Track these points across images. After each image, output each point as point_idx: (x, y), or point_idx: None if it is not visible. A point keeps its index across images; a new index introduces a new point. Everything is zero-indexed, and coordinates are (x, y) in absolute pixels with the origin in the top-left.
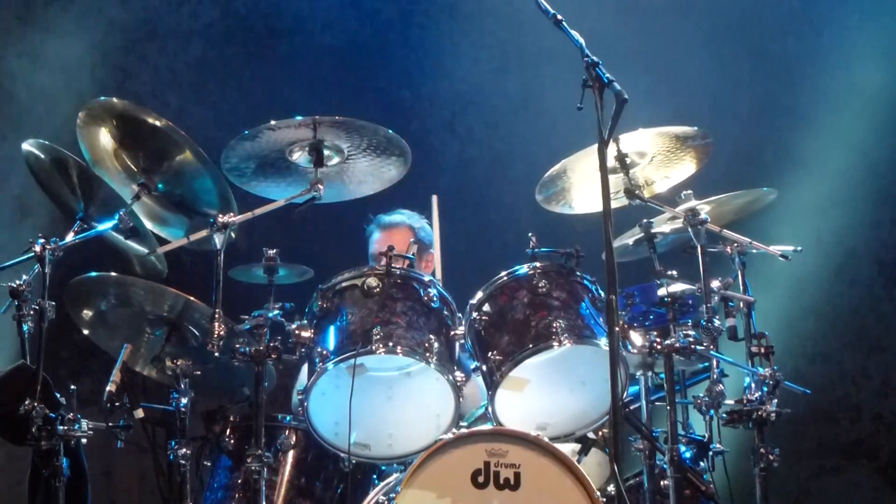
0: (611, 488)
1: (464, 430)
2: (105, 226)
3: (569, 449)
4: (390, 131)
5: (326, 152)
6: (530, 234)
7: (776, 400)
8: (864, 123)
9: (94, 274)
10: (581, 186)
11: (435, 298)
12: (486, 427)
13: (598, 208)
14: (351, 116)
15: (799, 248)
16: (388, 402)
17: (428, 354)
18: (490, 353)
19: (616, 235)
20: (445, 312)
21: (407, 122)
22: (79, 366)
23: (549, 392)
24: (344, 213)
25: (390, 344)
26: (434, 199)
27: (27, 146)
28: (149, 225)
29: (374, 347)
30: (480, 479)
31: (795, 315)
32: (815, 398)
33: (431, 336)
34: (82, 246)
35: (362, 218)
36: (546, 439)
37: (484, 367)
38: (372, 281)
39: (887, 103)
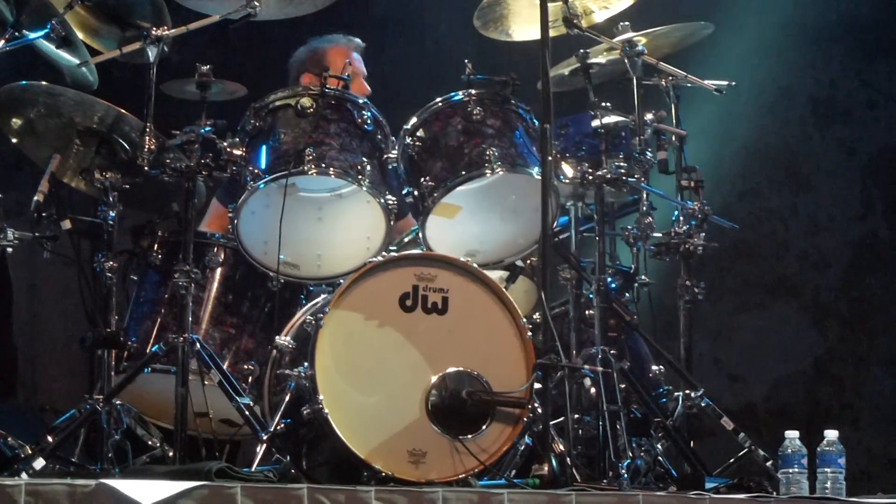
0: (537, 315)
1: (393, 254)
2: (36, 35)
3: (497, 276)
4: None
5: None
6: (466, 61)
7: (704, 234)
8: None
9: (23, 83)
10: (520, 13)
11: (369, 121)
12: (416, 251)
13: (536, 36)
14: None
15: (733, 83)
16: (318, 223)
17: (360, 177)
18: (422, 179)
19: (552, 65)
20: (379, 136)
21: None
22: (6, 177)
23: (480, 219)
24: (279, 33)
25: (322, 165)
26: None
27: None
28: (81, 36)
29: (306, 168)
30: (408, 302)
31: (726, 151)
32: (743, 234)
33: (364, 159)
34: (12, 55)
35: (297, 38)
36: (475, 265)
37: (416, 193)
38: (306, 101)
39: None
